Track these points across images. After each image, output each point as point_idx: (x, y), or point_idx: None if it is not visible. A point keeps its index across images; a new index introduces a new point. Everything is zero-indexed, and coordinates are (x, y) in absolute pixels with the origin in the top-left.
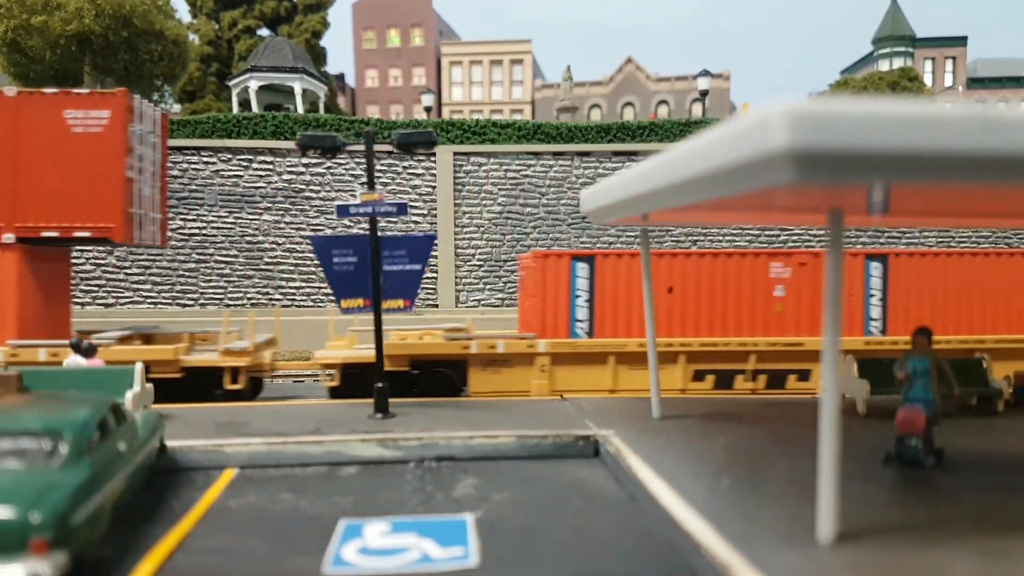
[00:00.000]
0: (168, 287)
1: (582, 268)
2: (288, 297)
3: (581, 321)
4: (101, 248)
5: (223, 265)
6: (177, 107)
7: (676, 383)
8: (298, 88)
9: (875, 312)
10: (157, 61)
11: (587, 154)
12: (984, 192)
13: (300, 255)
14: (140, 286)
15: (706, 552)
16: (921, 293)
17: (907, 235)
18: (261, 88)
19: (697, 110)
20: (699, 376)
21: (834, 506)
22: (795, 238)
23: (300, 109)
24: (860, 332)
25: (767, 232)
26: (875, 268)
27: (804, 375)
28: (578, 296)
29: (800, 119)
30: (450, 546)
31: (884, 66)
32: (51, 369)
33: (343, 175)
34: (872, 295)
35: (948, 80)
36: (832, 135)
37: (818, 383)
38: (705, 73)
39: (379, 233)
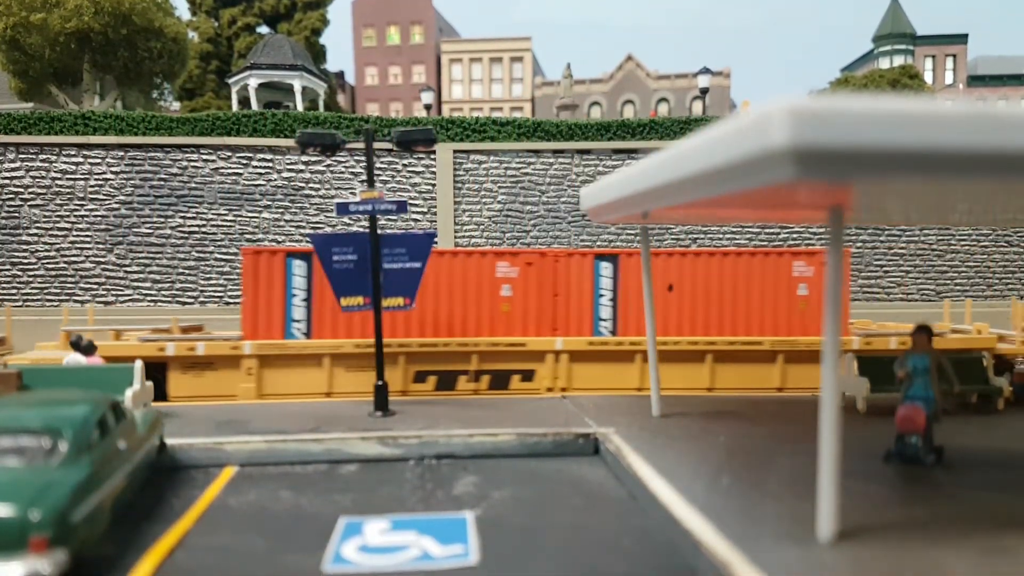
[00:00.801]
0: (168, 285)
1: (298, 266)
2: None
3: (298, 322)
4: (101, 246)
5: (223, 263)
6: (176, 105)
7: (397, 385)
8: (298, 86)
9: (605, 312)
10: (156, 59)
11: (587, 152)
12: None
13: None
14: (140, 284)
15: (706, 550)
16: (656, 293)
17: (885, 232)
18: (261, 86)
19: (697, 108)
20: (421, 377)
21: (834, 504)
22: (795, 236)
23: (300, 107)
24: (589, 332)
25: (767, 229)
26: (605, 268)
27: (528, 375)
28: (295, 295)
29: (801, 116)
30: (450, 544)
31: (885, 64)
32: (51, 367)
33: (343, 173)
34: (602, 295)
35: (949, 78)
36: (833, 132)
37: (541, 383)
38: (705, 71)
39: (379, 231)
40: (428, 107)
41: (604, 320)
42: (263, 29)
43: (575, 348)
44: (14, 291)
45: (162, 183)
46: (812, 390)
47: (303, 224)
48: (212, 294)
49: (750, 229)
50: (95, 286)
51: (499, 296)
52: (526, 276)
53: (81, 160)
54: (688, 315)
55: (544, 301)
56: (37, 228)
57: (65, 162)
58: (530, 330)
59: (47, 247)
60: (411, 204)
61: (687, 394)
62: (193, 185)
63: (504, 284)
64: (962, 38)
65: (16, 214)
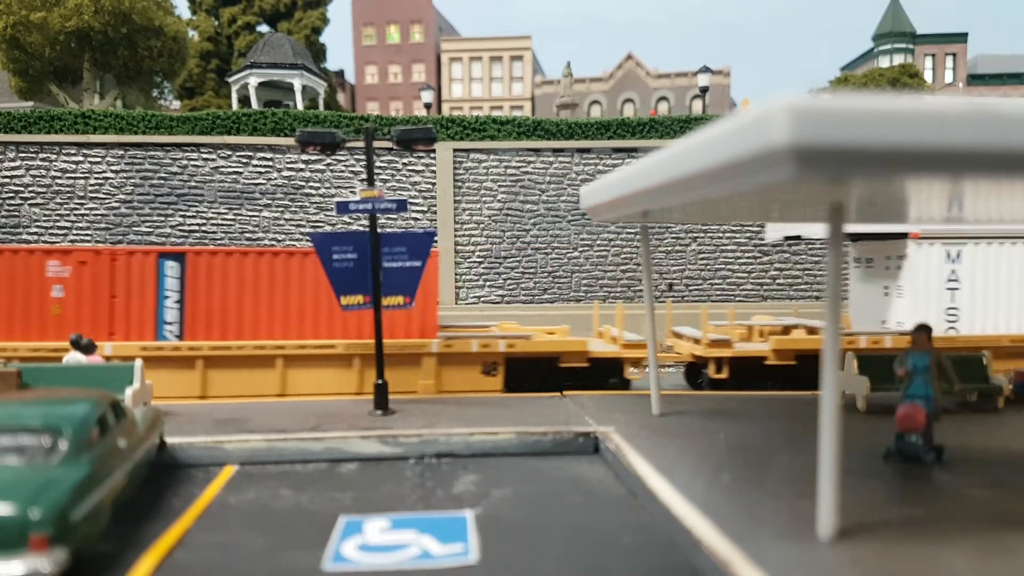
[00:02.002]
0: None
1: (171, 267)
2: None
3: (170, 324)
4: (101, 245)
5: None
6: (176, 103)
7: None
8: (298, 84)
9: (171, 315)
10: (156, 57)
11: (587, 150)
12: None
13: None
14: None
15: (706, 548)
16: (226, 294)
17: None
18: (260, 84)
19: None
20: None
21: (834, 502)
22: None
23: (300, 105)
24: (152, 336)
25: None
26: (171, 268)
27: None
28: None
29: (801, 114)
30: (450, 542)
31: (884, 62)
32: (51, 366)
33: (343, 172)
34: (167, 296)
35: (949, 76)
36: (833, 130)
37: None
38: (705, 69)
39: (379, 230)
40: (428, 106)
41: (170, 324)
42: (263, 28)
43: (127, 354)
44: None
45: (162, 182)
46: (317, 394)
47: (303, 223)
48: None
49: (750, 227)
50: None
51: (49, 297)
52: (79, 276)
53: (81, 159)
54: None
55: (100, 303)
56: (37, 227)
57: (65, 161)
58: (84, 334)
59: (47, 246)
60: (411, 203)
61: (177, 401)
62: (193, 184)
63: (56, 284)
64: (962, 37)
65: (16, 213)
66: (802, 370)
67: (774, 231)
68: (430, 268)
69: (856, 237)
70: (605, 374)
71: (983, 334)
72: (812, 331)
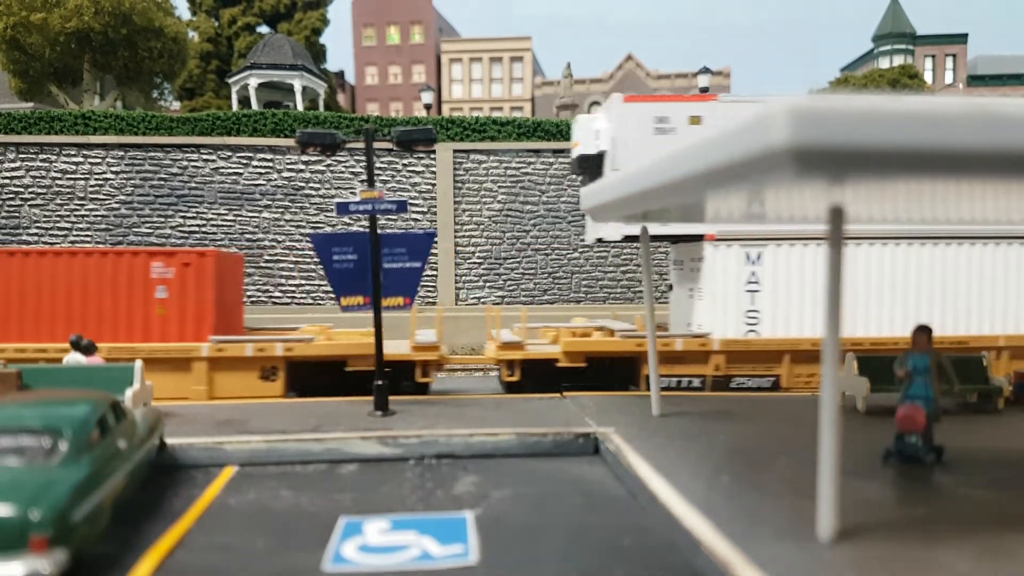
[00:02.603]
0: None
1: None
2: (288, 295)
3: None
4: (101, 246)
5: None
6: (176, 104)
7: None
8: (298, 85)
9: None
10: (156, 58)
11: None
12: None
13: (300, 253)
14: None
15: (706, 549)
16: (24, 295)
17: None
18: (261, 85)
19: None
20: None
21: (834, 503)
22: None
23: (300, 106)
24: None
25: None
26: None
27: None
28: None
29: (801, 115)
30: (450, 543)
31: (884, 63)
32: (51, 367)
33: (343, 172)
34: None
35: (948, 77)
36: (833, 131)
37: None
38: (705, 70)
39: (379, 230)
40: (428, 107)
41: None
42: (263, 29)
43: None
44: None
45: (162, 183)
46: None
47: (303, 224)
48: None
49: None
50: None
51: (154, 298)
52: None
53: (81, 160)
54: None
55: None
56: (37, 228)
57: (65, 162)
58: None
59: (47, 247)
60: (411, 204)
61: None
62: (193, 185)
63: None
64: (962, 37)
65: (16, 214)
66: (593, 372)
67: (594, 231)
68: (216, 267)
69: (675, 239)
70: (398, 377)
71: (785, 336)
72: (611, 333)
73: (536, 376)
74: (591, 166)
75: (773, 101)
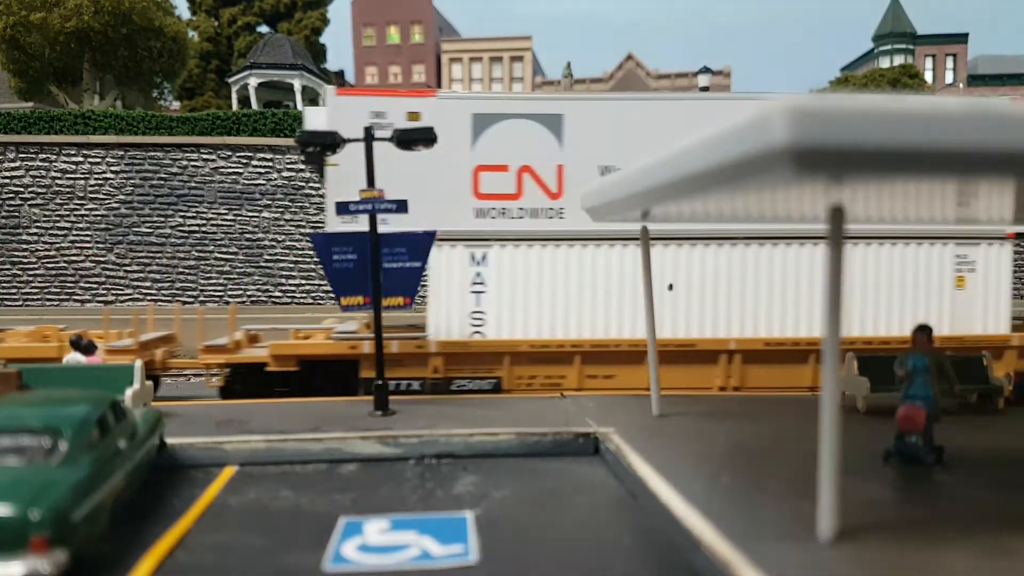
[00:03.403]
0: (168, 284)
1: None
2: (288, 294)
3: None
4: (101, 245)
5: (223, 262)
6: (176, 104)
7: None
8: (298, 85)
9: None
10: (156, 58)
11: None
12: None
13: (300, 252)
14: (140, 283)
15: (706, 549)
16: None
17: None
18: (261, 85)
19: None
20: None
21: (834, 503)
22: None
23: (300, 106)
24: None
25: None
26: None
27: None
28: None
29: (800, 115)
30: (450, 543)
31: (885, 63)
32: (51, 366)
33: None
34: None
35: (949, 77)
36: (832, 131)
37: None
38: (706, 70)
39: (378, 230)
40: None
41: None
42: (263, 28)
43: None
44: (14, 291)
45: (162, 182)
46: None
47: (303, 223)
48: (212, 293)
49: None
50: (95, 285)
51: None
52: None
53: (81, 159)
54: None
55: None
56: (37, 227)
57: (65, 161)
58: None
59: (47, 247)
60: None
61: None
62: (193, 184)
63: None
64: (962, 37)
65: (16, 213)
66: (308, 377)
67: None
68: None
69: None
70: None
71: (510, 338)
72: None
73: (248, 381)
74: (315, 157)
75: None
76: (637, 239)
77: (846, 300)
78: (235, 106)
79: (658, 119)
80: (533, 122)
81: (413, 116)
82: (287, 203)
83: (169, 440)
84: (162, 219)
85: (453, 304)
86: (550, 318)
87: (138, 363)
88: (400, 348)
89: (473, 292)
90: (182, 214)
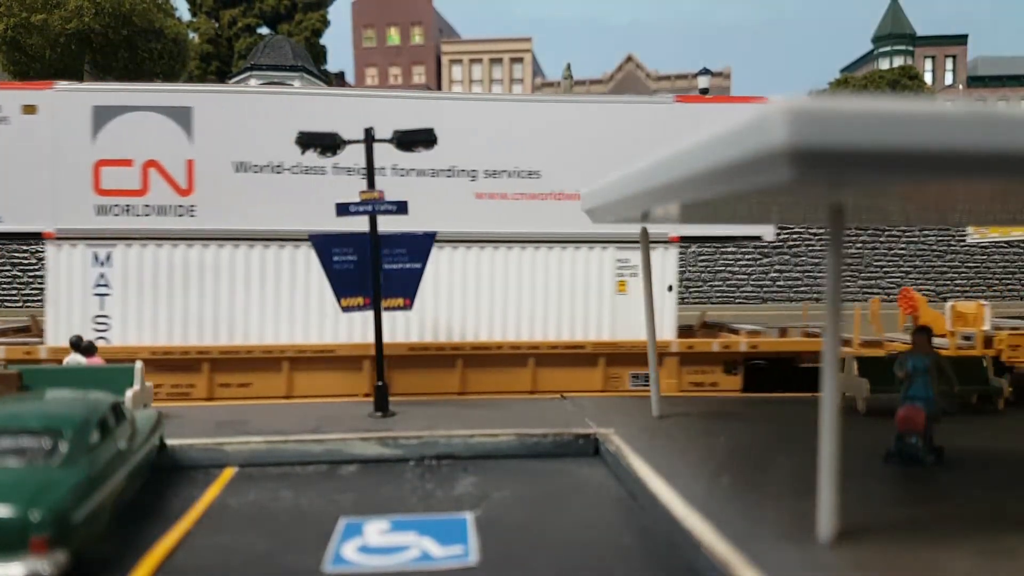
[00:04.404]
0: None
1: None
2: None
3: None
4: None
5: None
6: None
7: None
8: (298, 86)
9: None
10: (157, 59)
11: None
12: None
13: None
14: None
15: (706, 550)
16: None
17: (907, 232)
18: (261, 86)
19: None
20: None
21: (834, 504)
22: (794, 236)
23: None
24: None
25: None
26: None
27: None
28: None
29: (799, 116)
30: (450, 544)
31: (884, 64)
32: (51, 367)
33: None
34: None
35: (948, 78)
36: (832, 133)
37: None
38: (705, 71)
39: (379, 231)
40: None
41: None
42: (264, 30)
43: None
44: (14, 291)
45: None
46: None
47: None
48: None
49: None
50: None
51: None
52: None
53: None
54: None
55: None
56: None
57: None
58: None
59: None
60: None
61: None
62: None
63: None
64: (962, 39)
65: None
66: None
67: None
68: None
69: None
70: None
71: (138, 344)
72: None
73: None
74: None
75: (770, 101)
76: (281, 239)
77: (512, 304)
78: None
79: (291, 113)
80: (160, 115)
81: (29, 109)
82: None
83: (169, 441)
84: None
85: (75, 308)
86: (182, 324)
87: (138, 364)
88: (6, 354)
89: (96, 295)
90: None
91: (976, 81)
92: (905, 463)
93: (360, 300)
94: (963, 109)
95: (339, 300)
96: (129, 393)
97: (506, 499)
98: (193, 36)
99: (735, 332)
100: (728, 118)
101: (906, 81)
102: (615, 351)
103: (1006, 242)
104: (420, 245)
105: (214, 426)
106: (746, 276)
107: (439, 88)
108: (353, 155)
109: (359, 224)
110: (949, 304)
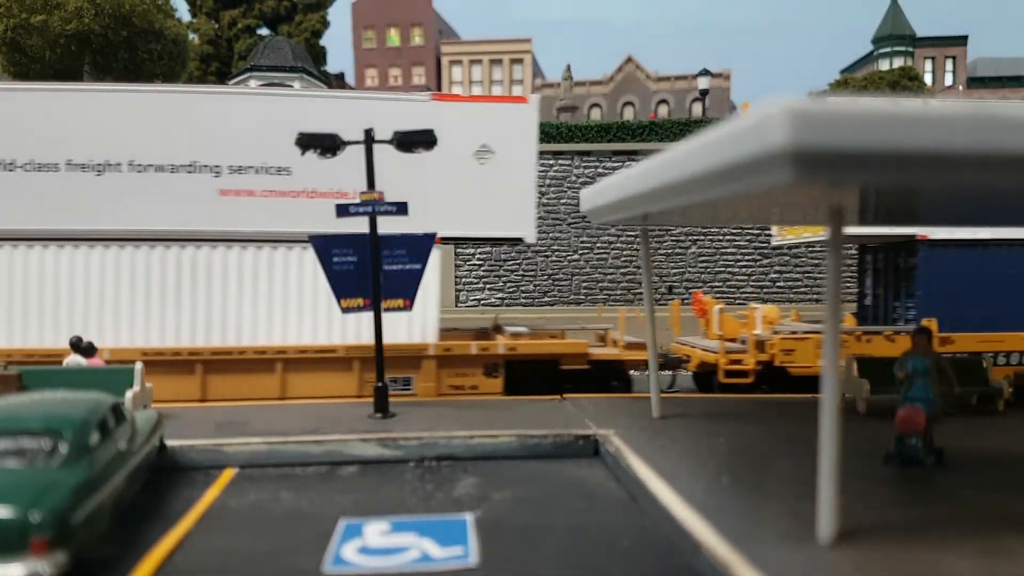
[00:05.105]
0: None
1: None
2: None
3: None
4: None
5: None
6: None
7: None
8: (298, 87)
9: None
10: (157, 60)
11: (587, 153)
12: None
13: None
14: None
15: (706, 551)
16: None
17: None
18: (261, 87)
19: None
20: None
21: (834, 505)
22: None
23: None
24: None
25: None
26: None
27: None
28: None
29: (800, 118)
30: (450, 545)
31: (884, 65)
32: (51, 368)
33: None
34: None
35: (948, 79)
36: (832, 134)
37: None
38: (705, 72)
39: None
40: None
41: None
42: (263, 31)
43: None
44: None
45: None
46: None
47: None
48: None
49: (751, 230)
50: None
51: None
52: None
53: None
54: None
55: None
56: None
57: None
58: None
59: None
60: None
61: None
62: None
63: None
64: (962, 40)
65: None
66: None
67: None
68: None
69: None
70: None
71: None
72: None
73: None
74: None
75: (771, 103)
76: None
77: (263, 306)
78: None
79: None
80: None
81: None
82: None
83: (169, 442)
84: None
85: None
86: None
87: (138, 365)
88: None
89: None
90: None
91: (976, 82)
92: (905, 464)
93: (360, 301)
94: (963, 109)
95: (339, 301)
96: (129, 394)
97: (506, 500)
98: (193, 37)
99: (518, 335)
100: (488, 115)
101: (906, 82)
102: (371, 354)
103: (805, 244)
104: (420, 246)
105: (214, 427)
106: (746, 277)
107: (439, 89)
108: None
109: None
110: (717, 308)
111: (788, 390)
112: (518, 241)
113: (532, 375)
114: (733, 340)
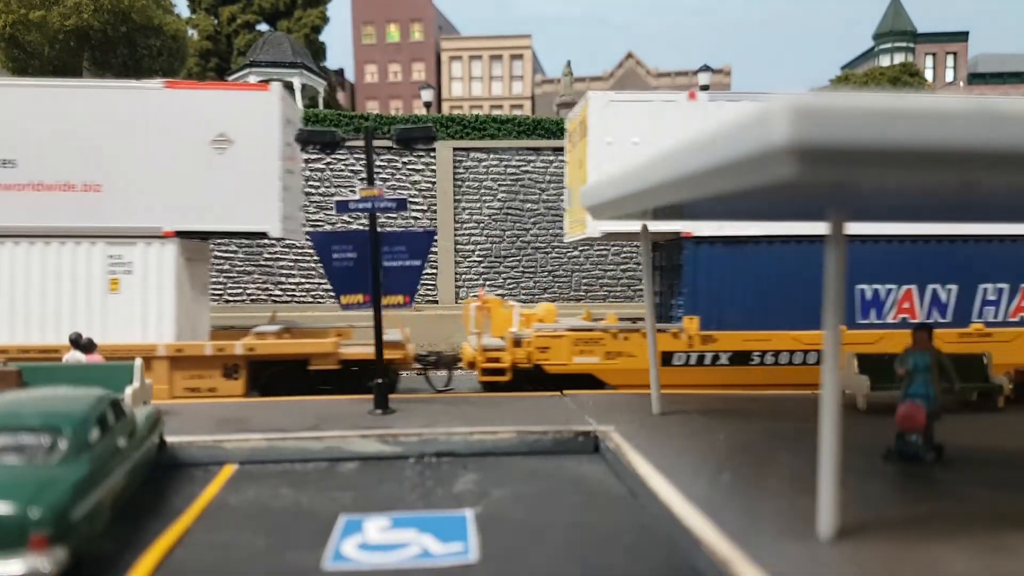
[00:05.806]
0: None
1: None
2: (288, 293)
3: None
4: None
5: (222, 261)
6: None
7: None
8: (297, 83)
9: None
10: (156, 56)
11: None
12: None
13: (299, 251)
14: None
15: (706, 547)
16: None
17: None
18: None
19: None
20: None
21: (834, 501)
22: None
23: (299, 104)
24: None
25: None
26: None
27: None
28: None
29: (802, 113)
30: (450, 541)
31: (885, 61)
32: (51, 365)
33: (342, 171)
34: None
35: (949, 75)
36: (834, 130)
37: None
38: (706, 68)
39: (378, 229)
40: (428, 105)
41: None
42: (263, 26)
43: None
44: None
45: None
46: None
47: (303, 222)
48: (212, 292)
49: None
50: None
51: None
52: None
53: None
54: None
55: None
56: None
57: None
58: None
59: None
60: (411, 202)
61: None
62: None
63: None
64: (963, 35)
65: None
66: None
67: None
68: None
69: None
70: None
71: None
72: None
73: None
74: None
75: (773, 98)
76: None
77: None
78: None
79: None
80: None
81: None
82: None
83: (169, 438)
84: None
85: None
86: None
87: (138, 361)
88: None
89: None
90: None
91: (977, 78)
92: (905, 461)
93: (359, 297)
94: (964, 104)
95: (339, 298)
96: (129, 390)
97: (506, 496)
98: (192, 33)
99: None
100: (225, 104)
101: (907, 78)
102: (108, 354)
103: (586, 240)
104: (420, 243)
105: (214, 423)
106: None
107: (439, 86)
108: None
109: None
110: (516, 307)
111: (546, 388)
112: (262, 236)
113: (280, 377)
114: (502, 338)
